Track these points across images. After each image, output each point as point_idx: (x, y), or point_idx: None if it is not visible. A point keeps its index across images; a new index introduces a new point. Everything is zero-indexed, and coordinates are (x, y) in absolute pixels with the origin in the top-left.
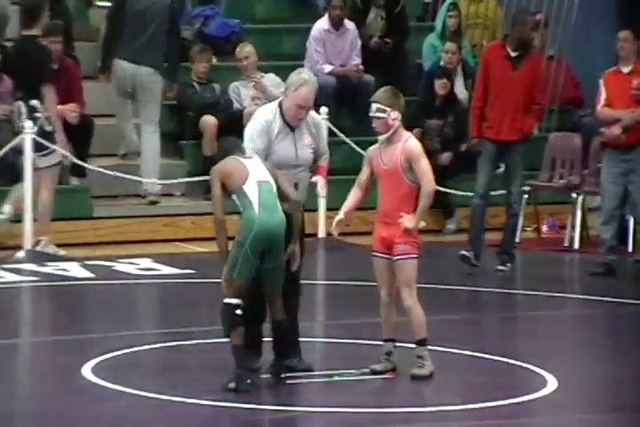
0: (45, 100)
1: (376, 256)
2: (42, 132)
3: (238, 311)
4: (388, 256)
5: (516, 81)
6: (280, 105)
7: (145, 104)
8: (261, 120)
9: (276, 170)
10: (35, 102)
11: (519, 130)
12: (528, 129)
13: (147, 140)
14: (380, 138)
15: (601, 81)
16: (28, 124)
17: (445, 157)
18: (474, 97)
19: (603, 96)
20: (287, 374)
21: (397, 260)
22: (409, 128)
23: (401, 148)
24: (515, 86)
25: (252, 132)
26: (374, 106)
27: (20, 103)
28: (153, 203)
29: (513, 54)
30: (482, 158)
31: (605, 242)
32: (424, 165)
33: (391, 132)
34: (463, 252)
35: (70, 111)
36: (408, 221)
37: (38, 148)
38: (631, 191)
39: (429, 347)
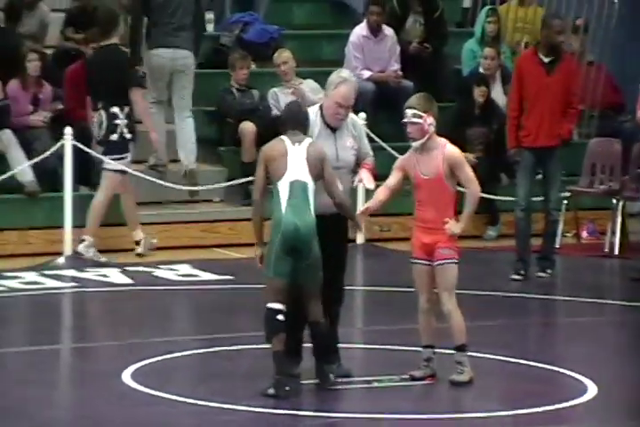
0: (135, 103)
1: (416, 263)
2: (120, 139)
3: (280, 317)
4: (428, 262)
5: (551, 86)
6: (321, 107)
7: (181, 90)
8: None
9: (326, 163)
10: (115, 110)
11: (557, 135)
12: (566, 134)
13: (184, 125)
14: (414, 144)
15: None
16: (68, 130)
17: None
18: (509, 107)
19: None
20: (343, 379)
21: (440, 264)
22: (447, 136)
23: (441, 156)
24: (551, 91)
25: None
26: (410, 111)
27: (102, 112)
28: (193, 184)
29: (546, 60)
30: (520, 169)
31: None
32: (468, 171)
33: (426, 138)
34: (514, 277)
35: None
36: (454, 226)
37: (111, 151)
38: None
39: (469, 353)
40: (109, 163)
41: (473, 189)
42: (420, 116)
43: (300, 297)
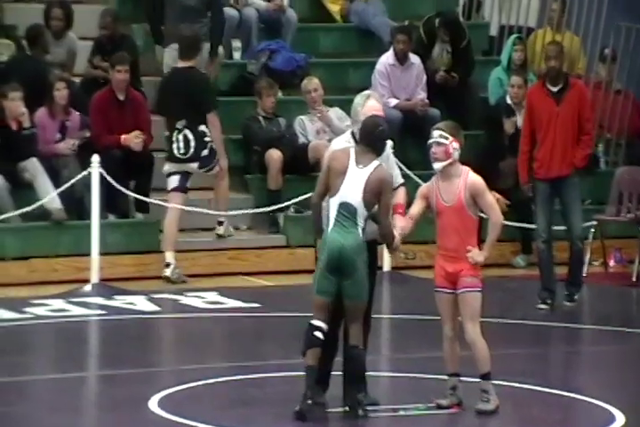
0: (212, 126)
1: (440, 292)
2: (209, 152)
3: (317, 333)
4: (451, 291)
5: (561, 115)
6: (353, 134)
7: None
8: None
9: (387, 187)
10: (203, 128)
11: (570, 164)
12: (579, 161)
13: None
14: (436, 166)
15: None
16: (95, 158)
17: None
18: (521, 142)
19: None
20: (370, 408)
21: (463, 292)
22: (479, 170)
23: (463, 184)
24: (561, 121)
25: None
26: (437, 132)
27: (187, 131)
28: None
29: (554, 89)
30: (538, 201)
31: None
32: (490, 199)
33: (449, 161)
34: (541, 306)
35: (134, 137)
36: (478, 255)
37: (205, 164)
38: None
39: (495, 381)
40: (172, 182)
41: (494, 217)
42: (447, 138)
43: (341, 318)
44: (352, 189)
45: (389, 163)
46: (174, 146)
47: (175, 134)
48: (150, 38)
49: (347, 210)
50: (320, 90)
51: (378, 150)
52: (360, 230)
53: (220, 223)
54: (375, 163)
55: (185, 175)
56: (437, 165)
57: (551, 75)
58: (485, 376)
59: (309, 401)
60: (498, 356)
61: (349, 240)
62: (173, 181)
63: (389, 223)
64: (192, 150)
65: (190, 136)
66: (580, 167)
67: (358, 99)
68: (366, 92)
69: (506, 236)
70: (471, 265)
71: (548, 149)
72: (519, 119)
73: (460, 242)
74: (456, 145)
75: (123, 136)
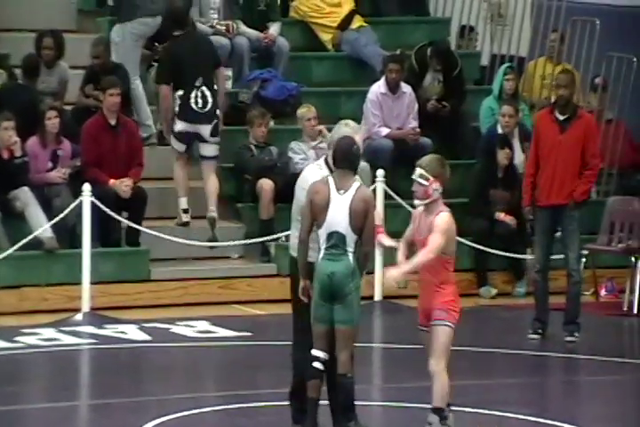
0: (218, 79)
1: (421, 330)
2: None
3: (317, 365)
4: (427, 329)
5: (563, 144)
6: (326, 162)
7: None
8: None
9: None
10: (215, 87)
11: (569, 194)
12: (579, 196)
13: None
14: (416, 204)
15: None
16: (86, 186)
17: (510, 219)
18: (527, 165)
19: None
20: None
21: (432, 325)
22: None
23: (432, 222)
24: (563, 149)
25: (300, 194)
26: (419, 171)
27: (205, 88)
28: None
29: (561, 117)
30: (537, 229)
31: None
32: (436, 238)
33: (428, 201)
34: (532, 336)
35: (123, 185)
36: (391, 271)
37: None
38: None
39: (490, 411)
40: (179, 148)
41: (427, 251)
42: (427, 179)
43: (332, 345)
44: (338, 217)
45: (366, 177)
46: (192, 102)
47: (194, 92)
48: (142, 66)
49: (336, 238)
50: (316, 120)
51: (355, 169)
52: (351, 256)
53: (186, 211)
54: (356, 184)
55: (192, 142)
56: (417, 203)
57: (560, 103)
58: (436, 411)
59: None
60: (494, 385)
61: (339, 267)
62: (180, 147)
63: (372, 244)
64: (210, 106)
65: (208, 93)
66: (578, 201)
67: (335, 127)
68: (345, 121)
69: (507, 265)
70: (444, 300)
71: (548, 175)
72: (517, 151)
73: (430, 276)
74: (436, 186)
75: (111, 180)
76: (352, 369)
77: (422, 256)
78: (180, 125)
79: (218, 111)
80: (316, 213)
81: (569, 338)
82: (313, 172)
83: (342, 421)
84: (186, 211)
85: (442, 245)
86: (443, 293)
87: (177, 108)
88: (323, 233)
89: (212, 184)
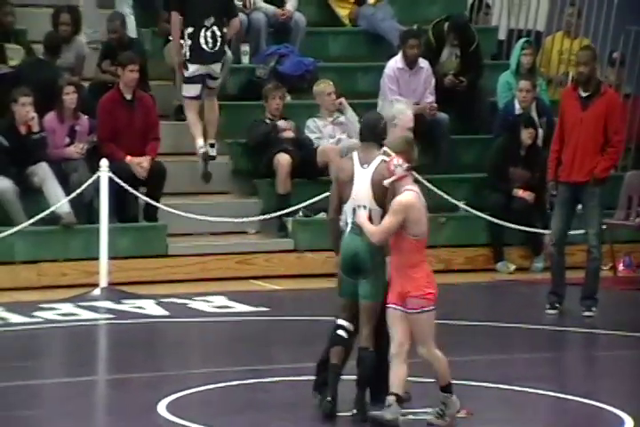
0: (231, 26)
1: (389, 307)
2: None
3: (341, 332)
4: (401, 309)
5: (585, 121)
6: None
7: None
8: None
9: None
10: (225, 30)
11: (589, 172)
12: (600, 173)
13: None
14: (384, 182)
15: None
16: (104, 162)
17: (528, 194)
18: (553, 140)
19: None
20: (372, 413)
21: (412, 314)
22: (496, 174)
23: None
24: (584, 126)
25: None
26: (383, 148)
27: (215, 28)
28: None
29: (584, 94)
30: (557, 203)
31: None
32: (385, 219)
33: (392, 179)
34: (549, 311)
35: (139, 166)
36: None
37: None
38: None
39: (507, 386)
40: (192, 90)
41: (375, 231)
42: (389, 155)
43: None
44: (362, 191)
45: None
46: (202, 41)
47: (203, 31)
48: (158, 41)
49: (361, 212)
50: (334, 94)
51: (380, 142)
52: None
53: (212, 145)
54: (378, 159)
55: (204, 83)
56: (384, 182)
57: (580, 80)
58: (445, 389)
59: (329, 398)
60: (512, 360)
61: (364, 242)
62: (194, 90)
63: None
64: (219, 45)
65: (218, 33)
66: (600, 178)
67: (384, 104)
68: (395, 97)
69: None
70: (417, 285)
71: (570, 152)
72: (540, 131)
73: (399, 260)
74: (398, 162)
75: (128, 157)
76: (373, 344)
77: (372, 234)
78: (192, 68)
79: (226, 48)
80: (342, 189)
81: (586, 313)
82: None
83: (362, 394)
84: (208, 145)
85: (392, 227)
86: (415, 277)
87: (187, 52)
88: (348, 208)
89: (214, 114)
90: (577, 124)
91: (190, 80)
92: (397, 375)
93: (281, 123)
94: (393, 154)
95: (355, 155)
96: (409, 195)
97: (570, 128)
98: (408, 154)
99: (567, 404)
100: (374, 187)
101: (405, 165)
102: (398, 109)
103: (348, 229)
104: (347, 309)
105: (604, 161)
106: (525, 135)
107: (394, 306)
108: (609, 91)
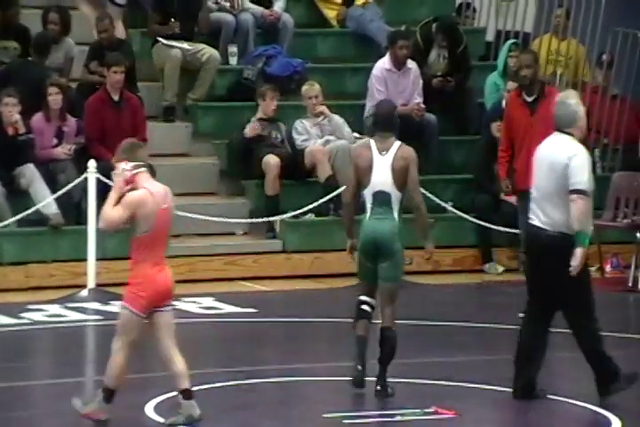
0: None
1: None
2: None
3: (365, 307)
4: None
5: (535, 125)
6: None
7: None
8: None
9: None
10: None
11: None
12: None
13: None
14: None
15: None
16: (92, 163)
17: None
18: (499, 149)
19: None
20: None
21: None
22: (478, 172)
23: None
24: (535, 131)
25: None
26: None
27: None
28: None
29: (529, 99)
30: (520, 212)
31: None
32: (115, 210)
33: (130, 187)
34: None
35: (124, 171)
36: None
37: None
38: None
39: (491, 386)
40: None
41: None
42: (118, 168)
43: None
44: (381, 176)
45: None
46: None
47: None
48: (147, 42)
49: (381, 198)
50: (320, 97)
51: (395, 130)
52: (396, 214)
53: None
54: (397, 144)
55: None
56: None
57: (525, 84)
58: (105, 390)
59: (359, 367)
60: (496, 361)
61: (385, 226)
62: None
63: (420, 197)
64: None
65: None
66: None
67: (561, 105)
68: (566, 93)
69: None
70: (130, 281)
71: (524, 159)
72: None
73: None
74: (126, 165)
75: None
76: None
77: (101, 219)
78: None
79: None
80: (361, 175)
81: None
82: None
83: (383, 372)
84: None
85: (115, 218)
86: (133, 274)
87: None
88: (368, 193)
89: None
90: (527, 130)
91: None
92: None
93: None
94: (118, 163)
95: (372, 142)
96: (140, 192)
97: (521, 135)
98: (129, 155)
99: (554, 405)
100: (394, 172)
101: (130, 166)
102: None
103: (368, 214)
104: (366, 290)
105: None
106: (495, 128)
107: None
108: (553, 91)
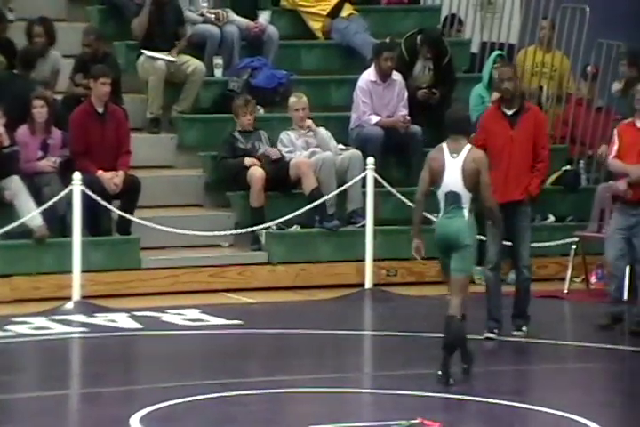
0: None
1: None
2: None
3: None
4: None
5: (515, 139)
6: None
7: None
8: None
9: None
10: None
11: (524, 190)
12: (534, 189)
13: None
14: None
15: (615, 131)
16: (77, 175)
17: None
18: None
19: (614, 147)
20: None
21: None
22: None
23: None
24: (516, 145)
25: None
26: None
27: None
28: None
29: (509, 112)
30: (489, 226)
31: (610, 294)
32: None
33: None
34: (488, 335)
35: (110, 181)
36: None
37: None
38: (635, 244)
39: (478, 398)
40: None
41: None
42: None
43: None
44: (453, 178)
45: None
46: None
47: None
48: (131, 55)
49: (452, 198)
50: (307, 109)
51: (466, 133)
52: (466, 212)
53: None
54: (467, 147)
55: None
56: None
57: (505, 97)
58: None
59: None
60: (481, 373)
61: (457, 223)
62: None
63: (493, 198)
64: None
65: None
66: (534, 195)
67: None
68: None
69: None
70: None
71: (502, 173)
72: None
73: None
74: None
75: (99, 172)
76: (462, 313)
77: None
78: None
79: None
80: (435, 177)
81: (516, 332)
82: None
83: (447, 359)
84: None
85: None
86: None
87: None
88: (441, 193)
89: None
90: (507, 144)
91: None
92: None
93: (271, 151)
94: None
95: (444, 146)
96: None
97: (499, 148)
98: None
99: (539, 416)
100: (464, 174)
101: None
102: None
103: (441, 213)
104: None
105: (536, 177)
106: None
107: None
108: (532, 106)
